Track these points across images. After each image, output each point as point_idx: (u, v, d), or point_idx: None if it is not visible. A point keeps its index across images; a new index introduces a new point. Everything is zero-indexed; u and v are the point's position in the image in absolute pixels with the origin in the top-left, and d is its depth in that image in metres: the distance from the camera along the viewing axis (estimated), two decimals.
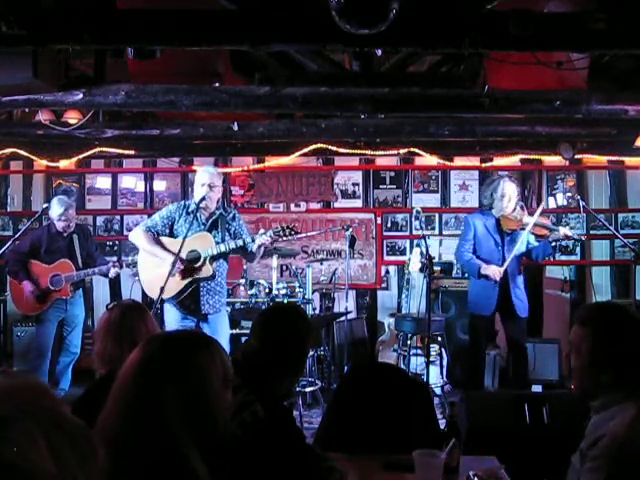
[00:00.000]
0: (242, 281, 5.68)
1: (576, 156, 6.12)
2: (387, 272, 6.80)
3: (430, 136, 5.44)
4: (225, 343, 4.20)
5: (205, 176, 4.22)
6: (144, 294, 5.44)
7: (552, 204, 6.65)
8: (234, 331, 5.46)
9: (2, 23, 2.85)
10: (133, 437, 1.32)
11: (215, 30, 3.13)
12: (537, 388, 5.54)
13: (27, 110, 5.11)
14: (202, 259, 4.15)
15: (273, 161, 6.63)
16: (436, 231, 6.70)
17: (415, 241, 6.60)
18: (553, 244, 4.84)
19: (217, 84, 4.30)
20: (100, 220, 6.95)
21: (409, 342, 5.32)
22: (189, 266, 4.14)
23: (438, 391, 5.26)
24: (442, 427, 2.79)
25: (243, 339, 5.43)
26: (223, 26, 3.12)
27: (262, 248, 4.25)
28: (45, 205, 5.24)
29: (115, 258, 5.77)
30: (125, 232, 6.73)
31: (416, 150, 6.20)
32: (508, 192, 4.73)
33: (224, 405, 1.47)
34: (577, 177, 6.67)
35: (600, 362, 1.73)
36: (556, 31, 3.10)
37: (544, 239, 4.78)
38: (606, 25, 3.00)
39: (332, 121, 5.32)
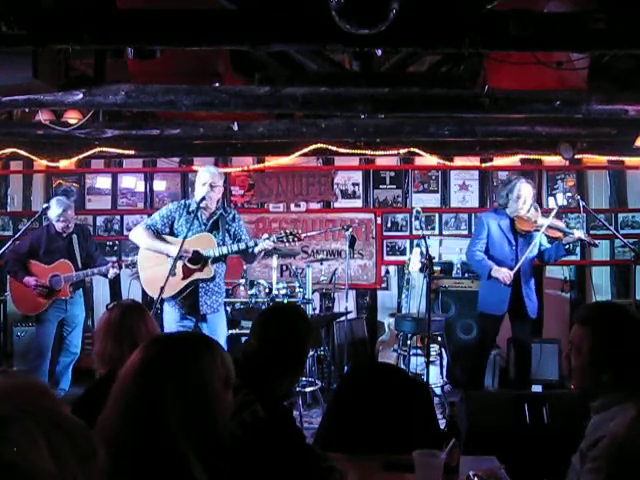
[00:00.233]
0: (242, 281, 5.68)
1: (576, 156, 6.12)
2: (387, 272, 6.80)
3: (430, 136, 5.45)
4: (222, 343, 4.19)
5: (206, 176, 4.23)
6: (144, 294, 5.45)
7: (552, 204, 6.64)
8: (234, 331, 5.47)
9: (2, 23, 2.85)
10: (133, 437, 1.32)
11: (215, 30, 3.13)
12: (537, 388, 5.54)
13: (27, 110, 5.11)
14: (203, 260, 4.15)
15: (273, 161, 6.63)
16: (436, 231, 6.70)
17: (415, 241, 6.60)
18: (567, 246, 4.84)
19: (217, 84, 4.30)
20: (100, 220, 6.95)
21: (409, 342, 5.32)
22: (192, 262, 4.14)
23: (438, 391, 5.26)
24: (442, 427, 2.79)
25: (243, 339, 5.43)
26: (223, 26, 3.12)
27: (263, 251, 4.26)
28: (45, 205, 5.24)
29: (115, 258, 5.77)
30: (125, 232, 6.73)
31: (416, 150, 6.20)
32: (524, 194, 4.73)
33: (225, 406, 1.47)
34: (577, 177, 6.67)
35: (600, 362, 1.73)
36: (556, 31, 3.10)
37: (557, 241, 4.79)
38: (606, 25, 3.00)
39: (332, 121, 5.32)
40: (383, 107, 4.34)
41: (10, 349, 6.38)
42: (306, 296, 5.44)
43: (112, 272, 5.17)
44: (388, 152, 6.26)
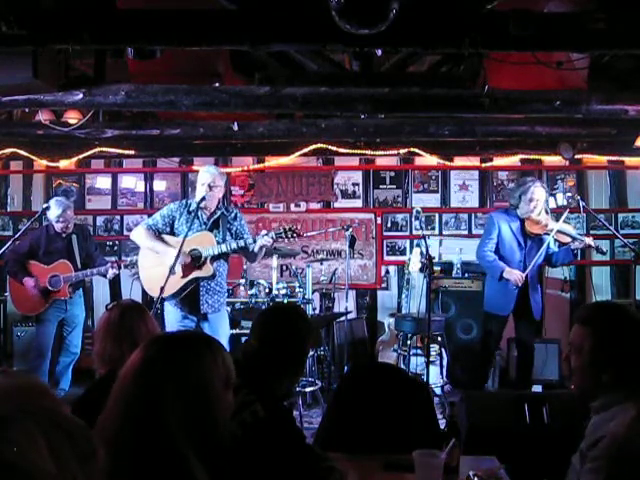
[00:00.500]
0: (242, 281, 5.68)
1: (576, 156, 6.12)
2: (387, 272, 6.80)
3: (430, 136, 5.45)
4: (225, 343, 4.20)
5: (206, 176, 4.23)
6: (144, 294, 5.46)
7: (552, 204, 6.63)
8: (234, 331, 5.46)
9: (2, 23, 2.85)
10: (133, 437, 1.32)
11: (215, 30, 3.13)
12: (537, 388, 5.54)
13: (27, 110, 5.11)
14: (203, 258, 4.15)
15: (273, 161, 6.63)
16: (436, 231, 6.70)
17: (415, 241, 6.60)
18: (575, 252, 4.84)
19: (217, 84, 4.30)
20: (100, 220, 6.94)
21: (409, 342, 5.32)
22: (189, 264, 4.15)
23: (438, 391, 5.26)
24: (442, 427, 2.79)
25: (243, 339, 5.43)
26: (223, 26, 3.12)
27: (263, 249, 4.26)
28: (45, 205, 5.23)
29: (114, 258, 5.77)
30: (125, 232, 6.74)
31: (416, 150, 6.20)
32: (536, 197, 4.73)
33: (225, 406, 1.47)
34: (577, 177, 6.67)
35: (600, 362, 1.73)
36: (556, 31, 3.10)
37: (566, 245, 4.80)
38: (606, 25, 3.00)
39: (332, 121, 5.32)
40: (383, 107, 4.34)
41: (10, 349, 6.38)
42: (306, 296, 5.44)
43: (111, 272, 5.17)
44: (388, 152, 6.26)
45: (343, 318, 5.78)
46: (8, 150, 6.13)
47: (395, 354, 5.74)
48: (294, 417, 2.17)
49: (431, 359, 5.07)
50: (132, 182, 6.96)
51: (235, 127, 5.26)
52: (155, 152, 6.57)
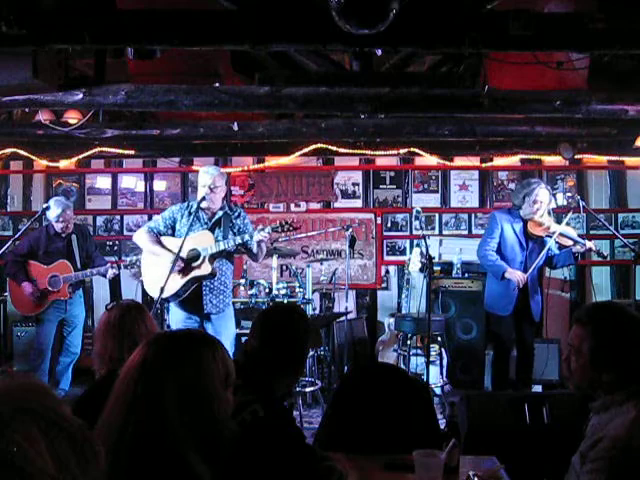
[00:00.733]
0: (242, 281, 5.67)
1: (576, 156, 6.12)
2: (387, 272, 6.80)
3: (430, 136, 5.45)
4: (229, 344, 4.18)
5: (205, 177, 4.23)
6: (144, 294, 5.45)
7: (552, 204, 6.63)
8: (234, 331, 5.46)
9: (2, 23, 2.84)
10: (133, 437, 1.32)
11: (215, 30, 3.12)
12: (537, 388, 5.54)
13: (27, 110, 5.11)
14: (201, 257, 4.15)
15: (273, 161, 6.63)
16: (436, 231, 6.69)
17: (415, 241, 6.60)
18: (576, 255, 4.84)
19: (217, 84, 4.29)
20: (100, 220, 6.94)
21: (409, 342, 5.31)
22: (188, 264, 4.14)
23: (438, 391, 5.26)
24: (442, 427, 2.80)
25: (243, 339, 5.43)
26: (223, 26, 3.11)
27: (263, 246, 4.25)
28: (45, 205, 5.23)
29: (114, 258, 5.77)
30: (125, 232, 6.74)
31: (416, 150, 6.20)
32: (540, 199, 4.72)
33: (224, 405, 1.47)
34: (577, 177, 6.67)
35: (600, 362, 1.73)
36: (556, 31, 3.09)
37: (568, 248, 4.80)
38: (606, 25, 2.99)
39: (332, 121, 5.32)
40: (383, 107, 4.34)
41: (10, 349, 6.38)
42: (306, 296, 5.44)
43: (111, 273, 5.17)
44: (388, 152, 6.26)
45: (343, 318, 5.77)
46: (8, 150, 6.13)
47: (395, 354, 5.74)
48: (294, 417, 2.17)
49: (431, 359, 5.06)
50: (132, 182, 6.95)
51: (235, 127, 5.26)
52: (155, 152, 6.57)
